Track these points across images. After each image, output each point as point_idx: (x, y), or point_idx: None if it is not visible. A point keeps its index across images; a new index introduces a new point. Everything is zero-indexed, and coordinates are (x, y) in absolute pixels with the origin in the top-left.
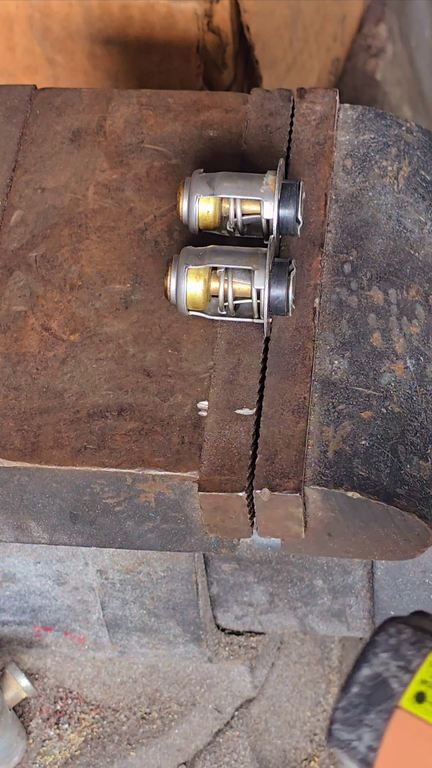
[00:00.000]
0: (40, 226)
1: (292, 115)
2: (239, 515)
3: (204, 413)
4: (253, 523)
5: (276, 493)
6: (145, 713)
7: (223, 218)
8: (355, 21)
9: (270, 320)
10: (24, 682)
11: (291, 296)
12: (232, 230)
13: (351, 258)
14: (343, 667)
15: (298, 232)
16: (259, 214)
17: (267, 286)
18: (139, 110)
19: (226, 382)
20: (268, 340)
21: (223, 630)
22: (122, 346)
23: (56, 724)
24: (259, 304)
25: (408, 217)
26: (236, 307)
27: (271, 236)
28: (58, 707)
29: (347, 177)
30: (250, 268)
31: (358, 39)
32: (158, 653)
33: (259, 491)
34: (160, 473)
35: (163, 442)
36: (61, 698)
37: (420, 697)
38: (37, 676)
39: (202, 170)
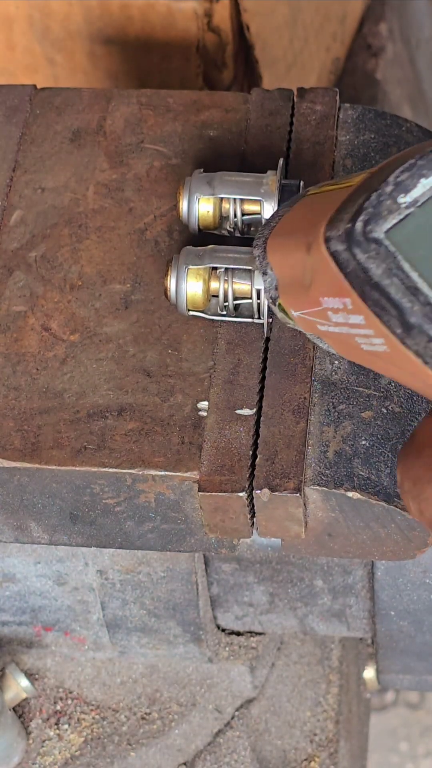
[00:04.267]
0: (39, 226)
1: (292, 115)
2: (239, 515)
3: (204, 413)
4: (253, 523)
5: (276, 493)
6: (145, 713)
7: (223, 218)
8: (355, 20)
9: (270, 320)
10: (24, 682)
11: None
12: (232, 230)
13: None
14: (343, 667)
15: None
16: (260, 213)
17: None
18: (139, 110)
19: (226, 382)
20: (268, 340)
21: (223, 630)
22: (122, 346)
23: (56, 724)
24: (259, 304)
25: None
26: (236, 307)
27: None
28: (58, 707)
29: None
30: (250, 268)
31: (359, 38)
32: (158, 653)
33: (259, 491)
34: (160, 473)
35: (163, 443)
36: (61, 698)
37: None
38: (37, 676)
39: (202, 170)
